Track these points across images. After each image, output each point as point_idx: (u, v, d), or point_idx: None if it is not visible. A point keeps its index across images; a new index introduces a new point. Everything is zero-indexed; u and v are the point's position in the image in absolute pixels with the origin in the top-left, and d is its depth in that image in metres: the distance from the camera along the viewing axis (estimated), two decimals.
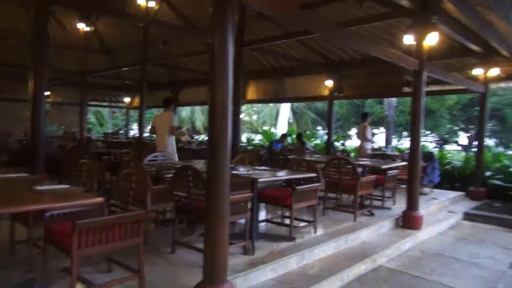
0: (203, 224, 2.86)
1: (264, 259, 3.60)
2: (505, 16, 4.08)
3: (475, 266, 4.52)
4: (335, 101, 11.42)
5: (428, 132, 36.65)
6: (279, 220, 5.02)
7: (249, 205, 3.78)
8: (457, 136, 40.17)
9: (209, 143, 2.71)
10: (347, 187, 5.36)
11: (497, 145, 30.51)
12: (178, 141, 11.48)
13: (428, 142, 36.34)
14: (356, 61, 9.77)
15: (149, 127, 7.98)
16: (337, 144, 14.23)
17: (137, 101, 15.07)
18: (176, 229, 3.88)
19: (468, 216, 6.87)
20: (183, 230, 4.28)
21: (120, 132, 19.84)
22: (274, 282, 3.41)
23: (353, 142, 22.46)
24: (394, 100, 17.81)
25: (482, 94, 8.10)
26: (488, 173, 8.28)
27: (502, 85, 10.45)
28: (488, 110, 8.35)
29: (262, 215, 5.29)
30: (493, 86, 9.37)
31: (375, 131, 30.06)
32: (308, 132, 16.97)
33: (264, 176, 3.84)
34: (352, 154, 10.16)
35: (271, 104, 25.97)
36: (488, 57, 7.43)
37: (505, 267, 4.53)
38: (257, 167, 4.68)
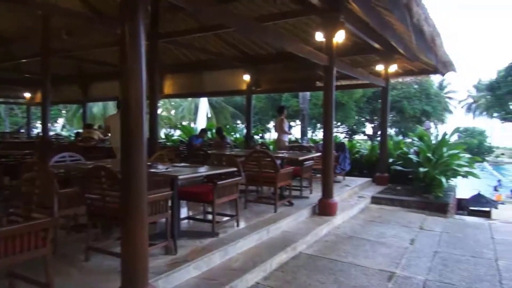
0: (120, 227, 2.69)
1: (187, 257, 3.53)
2: (402, 18, 4.52)
3: (382, 245, 4.96)
4: (253, 95, 11.61)
5: (339, 123, 39.32)
6: (201, 217, 4.96)
7: (170, 204, 3.67)
8: (364, 127, 43.71)
9: (122, 141, 2.55)
10: (267, 179, 5.50)
11: (397, 134, 33.91)
12: (90, 139, 10.74)
13: (339, 133, 39.01)
14: (273, 56, 10.03)
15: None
16: (256, 137, 14.54)
17: (39, 96, 13.66)
18: (90, 234, 3.61)
19: (375, 200, 7.51)
20: (98, 235, 4.00)
21: (21, 131, 17.84)
22: (198, 280, 3.37)
23: (272, 135, 23.17)
24: (308, 94, 18.73)
25: (384, 88, 8.89)
26: (390, 160, 9.14)
27: (400, 79, 11.54)
28: (389, 102, 9.18)
29: (184, 212, 5.18)
30: (393, 80, 10.36)
31: (292, 123, 31.42)
32: (228, 126, 17.03)
33: (184, 173, 3.74)
34: (271, 147, 10.46)
35: (189, 99, 25.57)
36: (388, 54, 8.15)
37: (407, 244, 5.05)
38: (176, 164, 4.55)
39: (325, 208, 5.79)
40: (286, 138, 8.85)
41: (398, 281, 3.80)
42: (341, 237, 5.28)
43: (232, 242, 4.02)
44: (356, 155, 10.25)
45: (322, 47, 5.88)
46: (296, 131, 23.13)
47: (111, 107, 22.68)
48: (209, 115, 24.08)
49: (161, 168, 3.91)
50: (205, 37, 9.73)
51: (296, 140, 12.12)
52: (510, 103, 40.77)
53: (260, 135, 19.46)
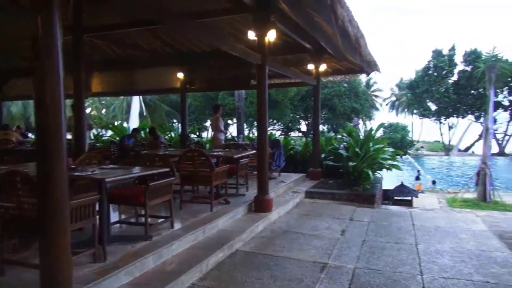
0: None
1: (118, 263, 3.36)
2: (328, 19, 4.72)
3: (316, 238, 5.15)
4: (189, 94, 11.42)
5: (275, 121, 40.13)
6: (134, 220, 4.76)
7: (98, 208, 3.46)
8: (299, 124, 45.09)
9: (38, 143, 2.34)
10: (202, 179, 5.43)
11: (329, 130, 35.49)
12: (7, 141, 9.79)
13: (275, 130, 39.81)
14: (207, 54, 9.92)
15: None
16: (193, 136, 14.32)
17: None
18: (6, 246, 3.28)
19: (309, 194, 7.78)
20: (16, 246, 3.65)
21: None
22: (129, 286, 3.22)
23: (210, 133, 22.98)
24: (243, 92, 18.86)
25: (315, 86, 9.24)
26: (323, 155, 9.53)
27: (331, 78, 12.05)
28: (320, 100, 9.56)
29: (115, 216, 4.93)
30: (324, 79, 10.81)
31: (229, 122, 31.46)
32: (163, 126, 16.56)
33: (112, 175, 3.56)
34: (208, 146, 10.38)
35: (121, 97, 24.45)
36: (318, 54, 8.47)
37: (338, 235, 5.29)
38: (104, 166, 4.31)
39: (261, 205, 5.87)
40: (222, 136, 8.83)
41: (330, 271, 3.97)
42: (276, 232, 5.38)
43: (167, 245, 3.91)
44: (291, 152, 10.53)
45: (255, 45, 5.95)
46: (233, 129, 23.22)
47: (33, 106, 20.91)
48: (144, 114, 23.22)
49: (88, 170, 3.68)
50: (137, 33, 9.33)
51: (233, 138, 12.15)
52: (427, 100, 44.66)
53: (197, 134, 19.24)
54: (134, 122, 20.81)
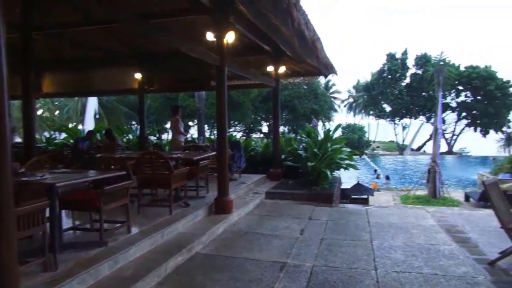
0: None
1: (70, 272, 3.22)
2: (284, 22, 4.80)
3: (276, 238, 5.21)
4: (148, 95, 11.17)
5: (237, 122, 40.13)
6: (88, 226, 4.58)
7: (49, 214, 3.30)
8: (261, 125, 45.36)
9: None
10: (161, 181, 5.33)
11: (290, 131, 35.99)
12: None
13: (237, 131, 39.82)
14: (166, 54, 9.74)
15: None
16: (153, 138, 14.01)
17: None
18: None
19: (269, 195, 7.85)
20: None
21: None
22: None
23: (170, 135, 22.57)
24: (204, 93, 18.73)
25: (275, 88, 9.35)
26: (283, 156, 9.66)
27: (291, 80, 12.23)
28: (280, 101, 9.69)
29: (69, 223, 4.74)
30: (284, 81, 10.96)
31: (190, 123, 31.07)
32: (120, 128, 16.06)
33: (64, 179, 3.41)
34: (167, 148, 10.19)
35: (76, 98, 23.45)
36: (277, 56, 8.58)
37: (297, 234, 5.38)
38: (56, 170, 4.12)
39: (221, 206, 5.85)
40: (182, 138, 8.71)
41: (289, 270, 4.03)
42: (237, 233, 5.39)
43: (123, 250, 3.80)
44: (252, 153, 10.59)
45: (214, 47, 5.92)
46: (194, 131, 22.97)
47: None
48: (100, 116, 22.39)
49: (36, 175, 3.50)
50: (93, 32, 8.98)
51: (193, 140, 12.03)
52: (382, 102, 46.55)
53: (157, 136, 18.83)
54: (89, 124, 20.01)
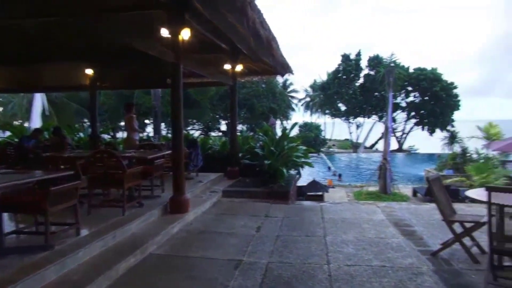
0: None
1: (12, 277, 3.04)
2: (239, 21, 4.82)
3: (232, 236, 5.22)
4: (102, 91, 10.75)
5: (195, 121, 39.71)
6: (34, 229, 4.34)
7: None
8: (219, 124, 45.17)
9: None
10: (113, 181, 5.17)
11: (248, 130, 36.14)
12: None
13: (195, 130, 39.41)
14: (120, 50, 9.41)
15: None
16: (107, 136, 13.51)
17: None
18: None
19: (226, 193, 7.85)
20: None
21: None
22: None
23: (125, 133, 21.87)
24: (160, 90, 18.32)
25: (232, 86, 9.34)
26: (240, 154, 9.67)
27: (249, 79, 12.27)
28: (237, 100, 9.70)
29: (12, 226, 4.47)
30: (242, 80, 10.99)
31: (146, 121, 30.29)
32: (71, 125, 15.31)
33: (4, 180, 3.20)
34: (121, 146, 9.87)
35: (21, 94, 22.05)
36: (234, 54, 8.58)
37: (254, 232, 5.42)
38: None
39: (177, 206, 5.76)
40: (137, 136, 8.47)
41: (244, 267, 4.06)
42: (193, 233, 5.34)
43: (71, 253, 3.64)
44: (209, 151, 10.52)
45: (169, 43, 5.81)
46: (150, 129, 22.41)
47: None
48: (47, 113, 21.18)
49: None
50: (41, 24, 8.48)
51: (148, 138, 11.74)
52: (338, 102, 47.98)
53: (111, 134, 18.17)
54: (37, 121, 18.85)
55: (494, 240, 3.43)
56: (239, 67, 8.99)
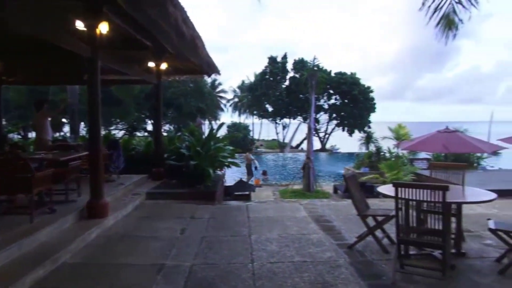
0: None
1: None
2: (161, 17, 4.67)
3: (156, 239, 5.04)
4: (10, 87, 9.69)
5: (118, 120, 37.78)
6: None
7: None
8: (145, 123, 43.50)
9: None
10: (20, 185, 4.68)
11: (176, 130, 35.36)
12: None
13: (119, 130, 37.51)
14: (30, 41, 8.55)
15: None
16: (16, 136, 12.24)
17: None
18: None
19: (150, 195, 7.57)
20: None
21: None
22: None
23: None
24: (77, 87, 17.07)
25: (157, 85, 9.04)
26: (166, 155, 9.38)
27: (177, 78, 11.97)
28: (162, 99, 9.39)
29: None
30: (169, 78, 10.67)
31: (63, 120, 28.04)
32: None
33: None
34: (32, 147, 9.00)
35: None
36: (159, 52, 8.30)
37: (178, 234, 5.30)
38: None
39: (94, 210, 5.41)
40: (49, 136, 7.80)
41: (167, 271, 3.94)
42: (113, 238, 5.05)
43: None
44: (132, 152, 10.08)
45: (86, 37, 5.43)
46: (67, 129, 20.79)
47: None
48: None
49: None
50: None
51: (64, 139, 10.88)
52: (265, 102, 49.06)
53: (21, 133, 16.52)
54: None
55: (401, 231, 3.76)
56: (164, 65, 8.72)
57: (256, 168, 19.52)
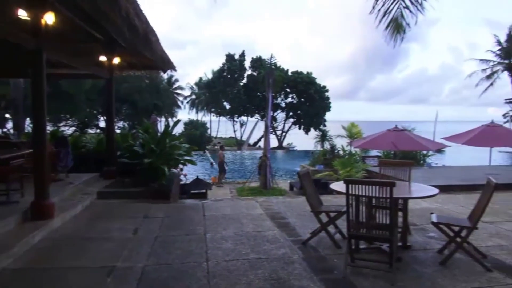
0: None
1: None
2: (111, 9, 4.48)
3: (107, 240, 4.85)
4: None
5: (68, 116, 36.02)
6: None
7: None
8: (97, 120, 41.85)
9: None
10: None
11: (131, 127, 34.29)
12: None
13: (69, 126, 35.77)
14: None
15: None
16: None
17: None
18: None
19: (102, 195, 7.28)
20: None
21: None
22: None
23: None
24: (22, 81, 16.02)
25: (108, 80, 8.69)
26: (119, 153, 9.07)
27: (130, 73, 11.58)
28: (114, 95, 9.03)
29: None
30: (124, 74, 10.28)
31: (7, 116, 26.24)
32: None
33: None
34: None
35: None
36: (111, 46, 7.97)
37: (130, 234, 5.14)
38: None
39: (39, 211, 5.11)
40: None
41: (118, 273, 3.81)
42: (59, 240, 4.80)
43: None
44: (83, 150, 9.64)
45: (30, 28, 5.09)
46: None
47: None
48: None
49: None
50: None
51: (7, 135, 10.19)
52: (223, 100, 48.84)
53: None
54: None
55: (352, 226, 3.89)
56: (116, 60, 8.41)
57: (212, 165, 19.36)
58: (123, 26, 5.03)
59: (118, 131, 14.04)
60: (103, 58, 8.35)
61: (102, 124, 38.45)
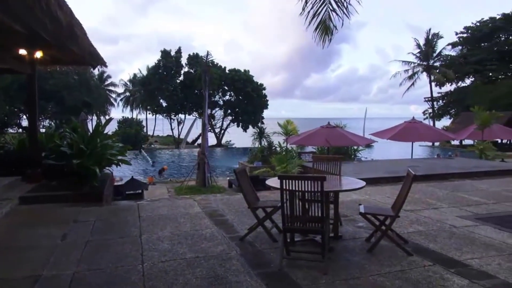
0: None
1: None
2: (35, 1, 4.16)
3: (31, 249, 4.52)
4: None
5: None
6: None
7: None
8: (20, 118, 38.55)
9: None
10: None
11: (57, 126, 32.00)
12: None
13: None
14: None
15: None
16: None
17: None
18: None
19: (25, 200, 6.73)
20: None
21: None
22: None
23: None
24: None
25: (30, 75, 8.04)
26: (44, 154, 8.43)
27: (56, 68, 10.79)
28: (37, 91, 8.37)
29: None
30: (49, 69, 9.52)
31: None
32: None
33: None
34: None
35: None
36: (32, 38, 7.33)
37: (58, 241, 4.82)
38: None
39: None
40: None
41: (44, 283, 3.57)
42: None
43: None
44: (1, 151, 8.81)
45: None
46: None
47: None
48: None
49: None
50: None
51: None
52: (159, 97, 47.45)
53: None
54: None
55: (287, 220, 4.02)
56: (39, 54, 7.78)
57: (154, 163, 18.76)
58: (43, 18, 4.68)
59: (43, 130, 13.03)
60: (23, 52, 7.69)
61: (24, 123, 35.50)
